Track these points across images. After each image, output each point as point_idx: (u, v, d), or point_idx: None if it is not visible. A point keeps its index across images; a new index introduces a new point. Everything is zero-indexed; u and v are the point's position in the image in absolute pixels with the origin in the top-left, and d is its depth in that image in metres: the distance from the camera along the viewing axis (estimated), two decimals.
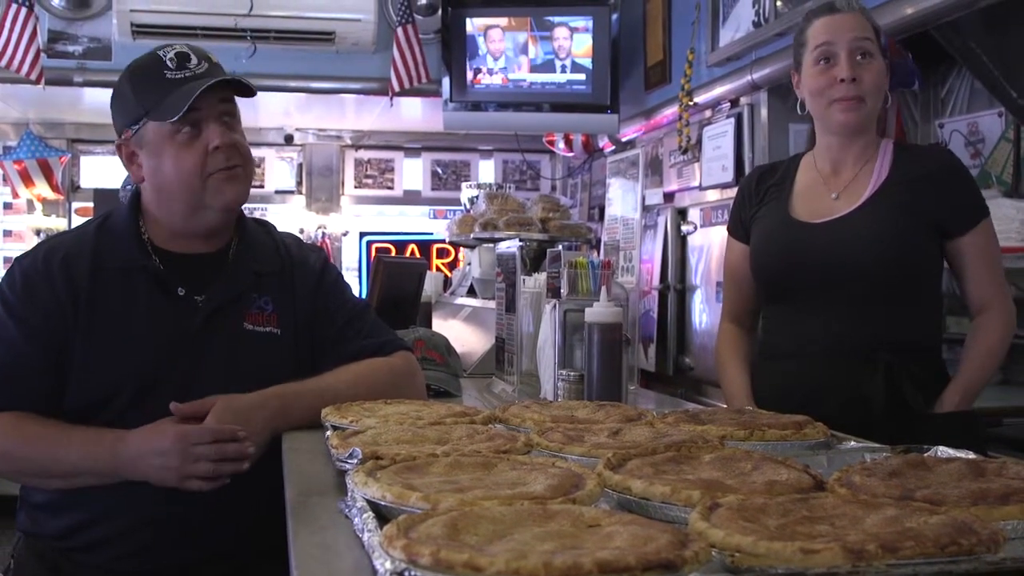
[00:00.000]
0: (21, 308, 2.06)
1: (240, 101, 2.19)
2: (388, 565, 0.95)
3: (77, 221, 7.08)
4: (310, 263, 2.32)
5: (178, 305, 2.12)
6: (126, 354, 2.06)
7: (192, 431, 1.88)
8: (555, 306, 2.43)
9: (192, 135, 2.07)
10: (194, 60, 2.10)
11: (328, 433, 1.75)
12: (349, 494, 1.29)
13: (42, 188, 6.96)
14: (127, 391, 2.05)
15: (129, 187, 2.26)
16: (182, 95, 2.04)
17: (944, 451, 1.53)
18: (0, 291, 2.10)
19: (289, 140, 7.23)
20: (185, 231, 2.18)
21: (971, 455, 1.49)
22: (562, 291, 2.44)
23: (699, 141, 4.61)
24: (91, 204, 7.06)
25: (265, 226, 2.35)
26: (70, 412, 2.05)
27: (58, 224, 7.07)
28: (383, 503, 1.21)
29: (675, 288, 4.84)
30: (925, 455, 1.49)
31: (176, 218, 2.16)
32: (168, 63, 2.08)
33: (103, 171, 7.21)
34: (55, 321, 2.05)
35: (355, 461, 1.43)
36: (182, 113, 2.03)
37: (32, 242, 6.91)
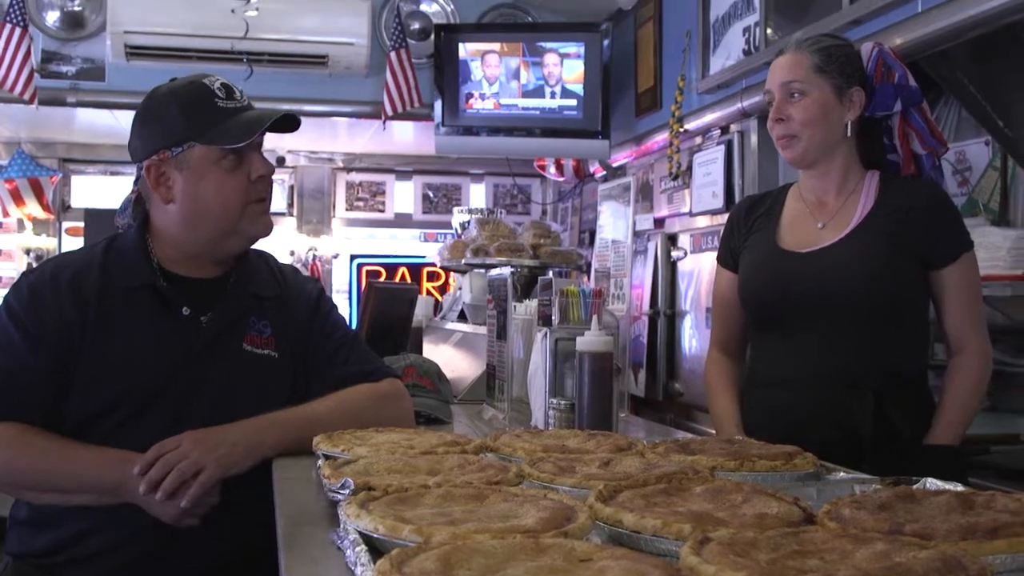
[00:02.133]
0: (27, 319, 2.10)
1: None
2: None
3: (67, 241, 7.08)
4: (306, 291, 2.38)
5: (182, 324, 2.16)
6: (129, 370, 2.10)
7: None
8: (546, 334, 2.44)
9: (235, 163, 2.15)
10: (236, 92, 2.20)
11: (320, 462, 1.75)
12: (341, 526, 1.30)
13: (32, 207, 6.95)
14: (126, 406, 2.09)
15: (126, 213, 2.28)
16: (245, 124, 2.14)
17: (933, 483, 1.54)
18: (7, 303, 2.15)
19: (281, 162, 7.23)
20: (203, 255, 2.22)
21: (959, 487, 1.50)
22: (553, 319, 2.45)
23: (689, 167, 4.64)
24: (81, 224, 7.06)
25: (263, 256, 2.40)
26: (68, 424, 2.08)
27: (48, 244, 7.06)
28: (376, 535, 1.21)
29: (665, 313, 4.85)
30: (914, 487, 1.50)
31: (201, 241, 2.20)
32: (217, 92, 2.16)
33: (94, 191, 7.22)
34: (61, 334, 2.08)
35: (347, 492, 1.44)
36: (247, 142, 2.12)
37: (22, 262, 6.90)
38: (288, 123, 2.22)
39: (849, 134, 2.46)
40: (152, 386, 2.10)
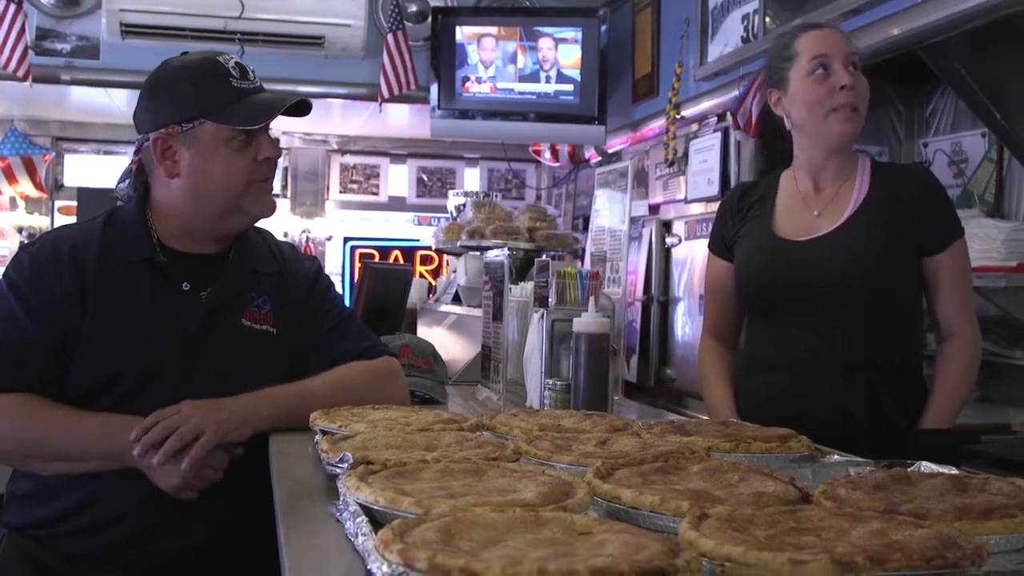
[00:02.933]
0: (28, 291, 2.10)
1: None
2: (385, 569, 0.96)
3: (60, 220, 7.06)
4: (304, 268, 2.39)
5: (182, 299, 2.17)
6: (128, 344, 2.10)
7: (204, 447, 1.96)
8: (543, 315, 2.45)
9: (244, 143, 2.15)
10: (250, 73, 2.21)
11: (317, 437, 1.76)
12: (341, 498, 1.30)
13: (25, 186, 6.92)
14: (126, 381, 2.09)
15: (126, 183, 2.27)
16: (260, 106, 2.16)
17: (927, 466, 1.55)
18: (7, 275, 2.15)
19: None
20: (204, 231, 2.23)
21: (954, 470, 1.51)
22: (550, 301, 2.46)
23: (685, 154, 4.64)
24: (74, 203, 7.03)
25: (263, 233, 2.41)
26: (69, 399, 2.08)
27: (40, 222, 7.03)
28: (376, 507, 1.22)
29: (658, 300, 4.86)
30: (909, 470, 1.51)
31: (204, 218, 2.21)
32: (232, 71, 2.16)
33: (87, 170, 7.20)
34: (61, 306, 2.09)
35: (346, 466, 1.44)
36: (262, 124, 2.15)
37: (14, 240, 6.88)
38: (300, 107, 2.23)
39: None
40: (152, 361, 2.11)
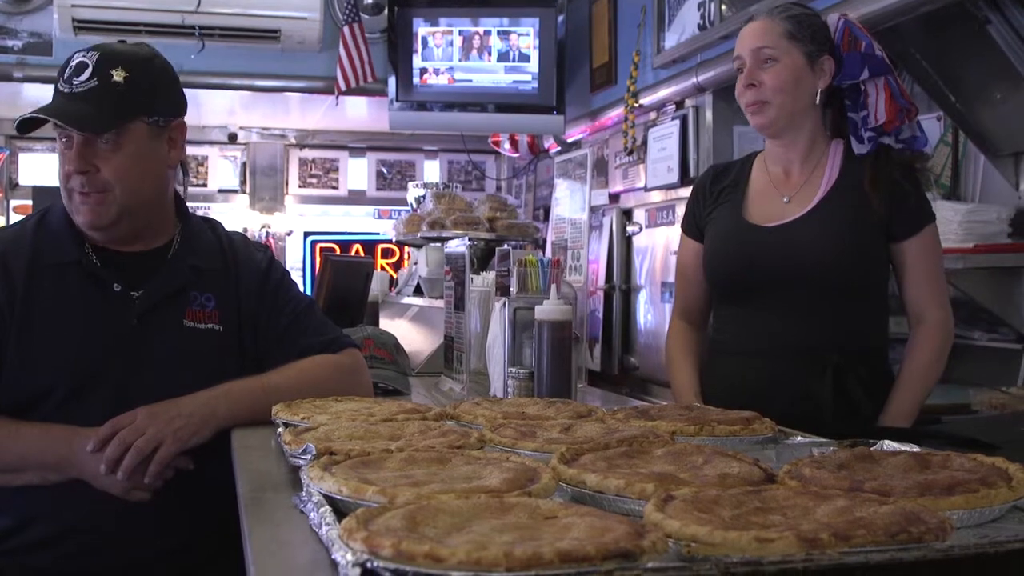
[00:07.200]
0: None
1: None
2: (349, 557, 0.95)
3: (15, 219, 6.97)
4: (255, 261, 2.32)
5: (114, 301, 2.11)
6: (60, 350, 2.05)
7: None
8: (505, 304, 2.44)
9: (66, 147, 2.07)
10: (85, 75, 2.05)
11: (280, 430, 1.74)
12: (304, 489, 1.29)
13: None
14: (61, 388, 2.04)
15: None
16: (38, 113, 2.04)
17: (890, 445, 1.56)
18: None
19: (233, 139, 7.15)
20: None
21: (916, 448, 1.52)
22: (512, 289, 2.45)
23: (644, 142, 4.65)
24: (30, 202, 6.94)
25: (211, 223, 2.35)
26: (2, 409, 2.03)
27: None
28: (339, 497, 1.21)
29: (620, 288, 4.87)
30: (872, 448, 1.52)
31: None
32: (64, 73, 2.08)
33: (42, 168, 7.11)
34: None
35: (309, 457, 1.43)
36: (15, 125, 2.07)
37: None
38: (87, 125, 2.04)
39: (818, 102, 2.45)
40: (85, 367, 2.05)
